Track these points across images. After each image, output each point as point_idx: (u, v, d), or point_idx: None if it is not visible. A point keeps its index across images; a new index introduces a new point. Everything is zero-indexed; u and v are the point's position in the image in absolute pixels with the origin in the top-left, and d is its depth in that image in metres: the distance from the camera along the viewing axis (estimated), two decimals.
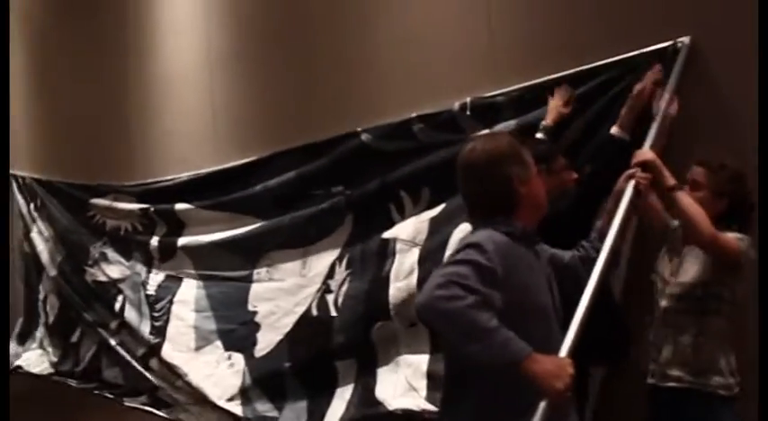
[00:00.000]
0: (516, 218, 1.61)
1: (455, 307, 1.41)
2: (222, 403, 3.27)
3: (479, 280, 1.43)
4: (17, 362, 5.08)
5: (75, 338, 4.66)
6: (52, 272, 4.81)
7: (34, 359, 5.04)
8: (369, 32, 3.08)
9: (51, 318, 4.95)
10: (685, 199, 1.87)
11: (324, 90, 3.22)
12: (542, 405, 1.47)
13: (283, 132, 3.34)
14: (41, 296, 5.07)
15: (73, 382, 4.53)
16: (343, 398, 2.88)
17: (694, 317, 1.91)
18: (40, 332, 5.10)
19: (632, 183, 1.87)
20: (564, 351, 1.56)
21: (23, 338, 5.21)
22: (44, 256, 4.89)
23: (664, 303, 1.97)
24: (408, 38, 2.92)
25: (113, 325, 4.18)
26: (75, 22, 5.00)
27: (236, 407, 3.22)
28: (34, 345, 5.14)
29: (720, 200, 1.96)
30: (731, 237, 1.88)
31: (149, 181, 4.02)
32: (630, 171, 1.91)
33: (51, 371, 4.84)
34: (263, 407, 3.14)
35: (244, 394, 3.22)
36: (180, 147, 4.00)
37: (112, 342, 4.17)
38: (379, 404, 2.72)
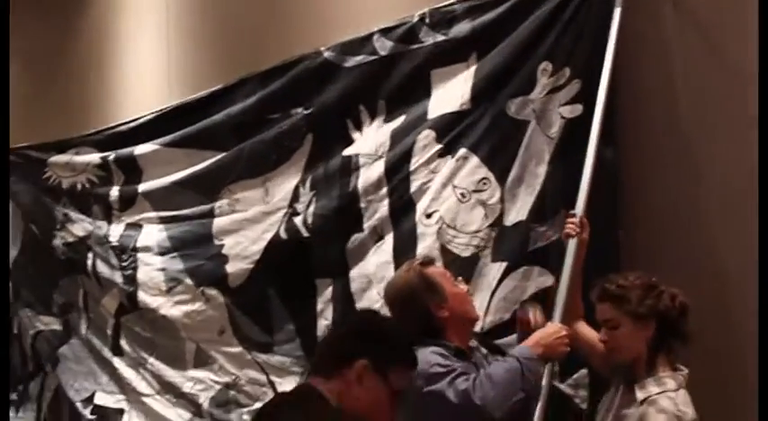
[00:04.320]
0: (447, 337, 1.88)
1: (468, 386, 1.74)
2: (215, 336, 3.26)
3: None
4: None
5: (15, 330, 4.38)
6: (13, 251, 4.46)
7: None
8: None
9: None
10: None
11: (285, 15, 3.26)
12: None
13: (245, 62, 3.32)
14: None
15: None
16: (326, 317, 2.89)
17: None
18: None
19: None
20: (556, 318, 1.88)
21: None
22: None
23: None
24: None
25: (80, 300, 4.00)
26: None
27: (231, 339, 3.21)
28: None
29: (646, 325, 1.73)
30: None
31: (109, 125, 3.95)
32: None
33: None
34: (255, 335, 3.13)
35: (233, 325, 3.21)
36: (136, 89, 3.96)
37: (82, 328, 3.97)
38: None
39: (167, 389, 3.52)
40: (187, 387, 3.40)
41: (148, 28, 4.01)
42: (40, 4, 4.74)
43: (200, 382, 3.35)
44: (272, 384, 3.08)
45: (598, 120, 2.15)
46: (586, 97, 2.29)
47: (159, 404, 3.54)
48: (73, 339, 4.07)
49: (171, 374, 3.49)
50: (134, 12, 4.12)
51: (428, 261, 2.04)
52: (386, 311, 2.62)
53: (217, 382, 3.29)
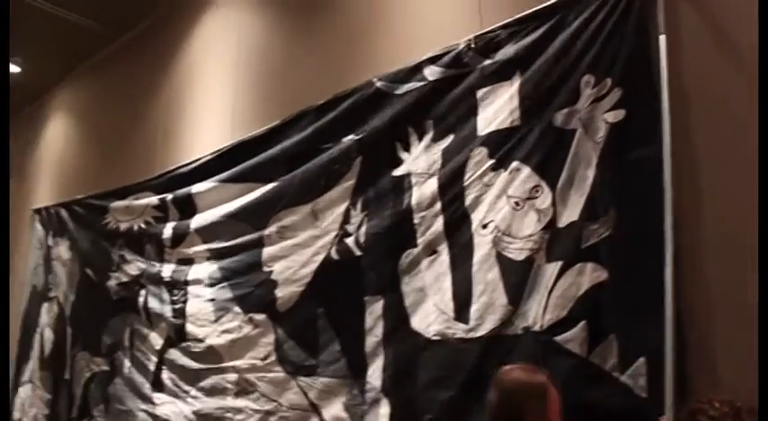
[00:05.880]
0: None
1: None
2: (258, 363, 3.29)
3: None
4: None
5: (67, 375, 4.59)
6: (71, 296, 4.78)
7: (25, 394, 4.97)
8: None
9: (47, 352, 4.89)
10: None
11: (342, 56, 3.51)
12: None
13: (304, 102, 3.51)
14: (39, 329, 5.03)
15: None
16: (376, 334, 2.90)
17: None
18: (30, 365, 5.05)
19: None
20: None
21: (19, 371, 5.14)
22: (63, 283, 4.88)
23: None
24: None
25: (126, 338, 4.14)
26: None
27: (274, 365, 3.22)
28: (25, 379, 5.07)
29: None
30: None
31: (170, 169, 4.16)
32: None
33: (46, 411, 4.73)
34: (300, 359, 3.14)
35: (278, 350, 3.23)
36: (201, 133, 4.22)
37: (125, 367, 4.11)
38: (417, 335, 2.76)
39: None
40: (227, 417, 3.38)
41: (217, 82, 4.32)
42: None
43: (240, 412, 3.34)
44: (314, 407, 3.06)
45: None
46: (628, 102, 2.42)
47: None
48: (117, 379, 4.14)
49: (211, 405, 3.49)
50: (203, 83, 4.47)
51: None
52: (440, 324, 2.70)
53: (257, 411, 3.27)
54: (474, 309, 2.60)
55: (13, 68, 6.03)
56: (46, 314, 4.97)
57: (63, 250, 4.98)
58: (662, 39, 2.39)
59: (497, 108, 2.76)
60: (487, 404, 1.94)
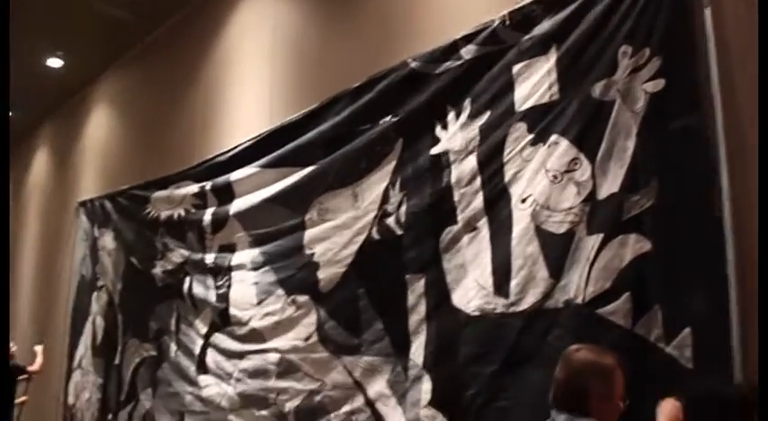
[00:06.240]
0: None
1: None
2: (300, 344, 3.34)
3: None
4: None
5: (117, 360, 4.77)
6: (119, 285, 4.95)
7: (76, 379, 5.21)
8: None
9: (99, 339, 5.09)
10: None
11: (376, 39, 3.53)
12: None
13: (338, 86, 3.54)
14: (91, 317, 5.23)
15: None
16: (418, 312, 2.92)
17: None
18: (80, 351, 5.26)
19: None
20: None
21: (71, 357, 5.38)
22: (109, 272, 5.05)
23: None
24: None
25: (173, 323, 4.25)
26: None
27: (316, 345, 3.28)
28: (74, 365, 5.31)
29: None
30: None
31: (209, 157, 4.24)
32: None
33: (99, 395, 4.92)
34: (343, 338, 3.18)
35: (320, 330, 3.29)
36: (239, 120, 4.28)
37: (172, 351, 4.21)
38: (458, 311, 2.78)
39: (251, 402, 3.57)
40: (271, 398, 3.45)
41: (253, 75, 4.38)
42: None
43: (284, 392, 3.40)
44: (358, 385, 3.10)
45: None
46: (667, 71, 2.38)
47: (243, 419, 3.61)
48: (164, 363, 4.26)
49: (255, 386, 3.56)
50: (241, 70, 4.54)
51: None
52: (480, 299, 2.71)
53: (301, 391, 3.32)
54: (514, 283, 2.60)
55: (56, 62, 6.23)
56: (95, 302, 5.17)
57: (108, 240, 5.15)
58: (707, 12, 2.35)
59: (534, 83, 2.74)
60: (554, 381, 1.93)
